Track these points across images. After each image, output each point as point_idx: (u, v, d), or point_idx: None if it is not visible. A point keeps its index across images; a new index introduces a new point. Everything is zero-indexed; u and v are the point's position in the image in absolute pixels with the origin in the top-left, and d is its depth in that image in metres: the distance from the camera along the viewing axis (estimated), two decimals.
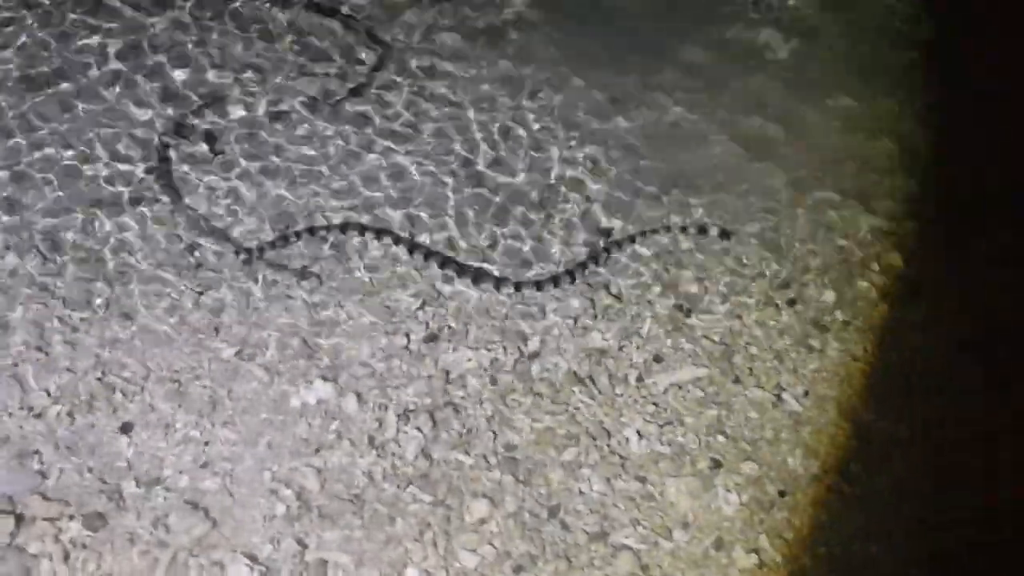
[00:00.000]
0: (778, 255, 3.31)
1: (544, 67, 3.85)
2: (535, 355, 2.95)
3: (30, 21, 3.68)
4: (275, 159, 3.42)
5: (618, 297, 3.12)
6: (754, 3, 4.29)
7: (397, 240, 3.16)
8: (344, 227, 3.18)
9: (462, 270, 3.08)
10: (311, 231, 3.15)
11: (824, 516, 2.64)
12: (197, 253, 3.09)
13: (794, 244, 3.35)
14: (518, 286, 3.05)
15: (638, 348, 2.98)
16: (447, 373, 2.88)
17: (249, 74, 3.69)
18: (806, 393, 2.93)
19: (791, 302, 3.17)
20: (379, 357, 2.90)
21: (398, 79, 3.76)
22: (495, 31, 4.00)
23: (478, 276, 3.07)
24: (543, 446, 2.72)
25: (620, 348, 2.98)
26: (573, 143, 3.59)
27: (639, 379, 2.90)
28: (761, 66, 4.00)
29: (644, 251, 3.28)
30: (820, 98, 3.85)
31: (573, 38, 3.99)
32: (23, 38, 3.62)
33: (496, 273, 3.11)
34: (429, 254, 3.13)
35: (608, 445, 2.73)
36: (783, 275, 3.24)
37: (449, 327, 3.01)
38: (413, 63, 3.83)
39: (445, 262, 3.10)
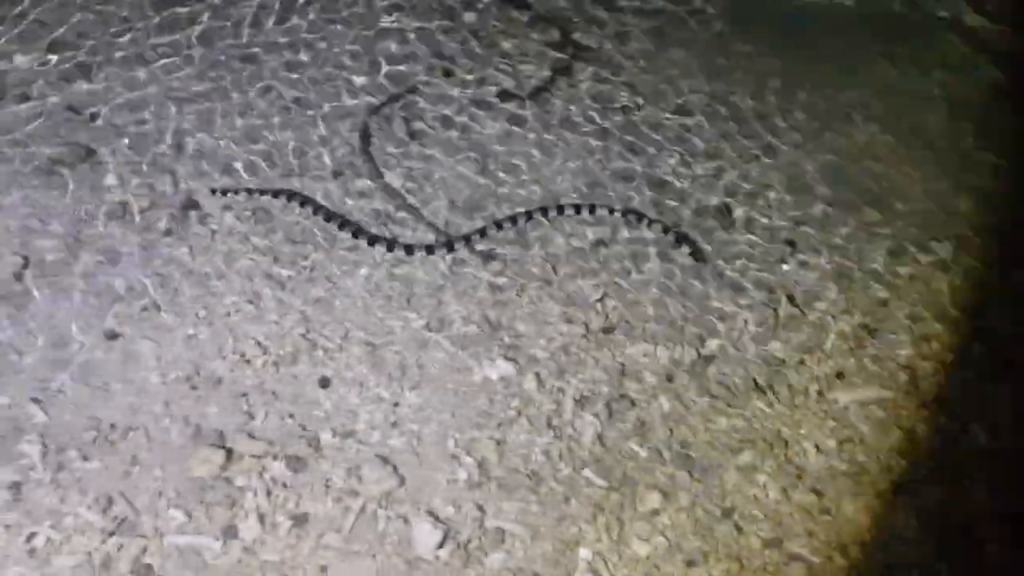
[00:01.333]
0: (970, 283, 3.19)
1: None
2: (712, 358, 2.96)
3: None
4: (468, 148, 3.54)
5: (801, 309, 3.08)
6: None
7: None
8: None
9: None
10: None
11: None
12: (392, 228, 3.23)
13: None
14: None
15: (819, 362, 2.95)
16: (623, 366, 2.92)
17: (446, 64, 3.83)
18: (993, 428, 2.82)
19: (983, 332, 3.05)
20: (558, 343, 2.96)
21: (588, 78, 3.82)
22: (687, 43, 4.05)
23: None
24: (718, 448, 2.73)
25: (801, 361, 2.95)
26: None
27: (820, 393, 2.86)
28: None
29: (827, 266, 3.22)
30: None
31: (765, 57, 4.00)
32: None
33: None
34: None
35: (785, 455, 2.72)
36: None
37: (627, 321, 3.04)
38: (603, 65, 3.88)
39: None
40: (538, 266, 3.19)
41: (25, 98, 3.60)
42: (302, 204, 3.27)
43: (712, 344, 3.00)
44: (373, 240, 3.16)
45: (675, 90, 3.86)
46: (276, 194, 3.30)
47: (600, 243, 3.27)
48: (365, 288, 3.08)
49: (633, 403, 2.83)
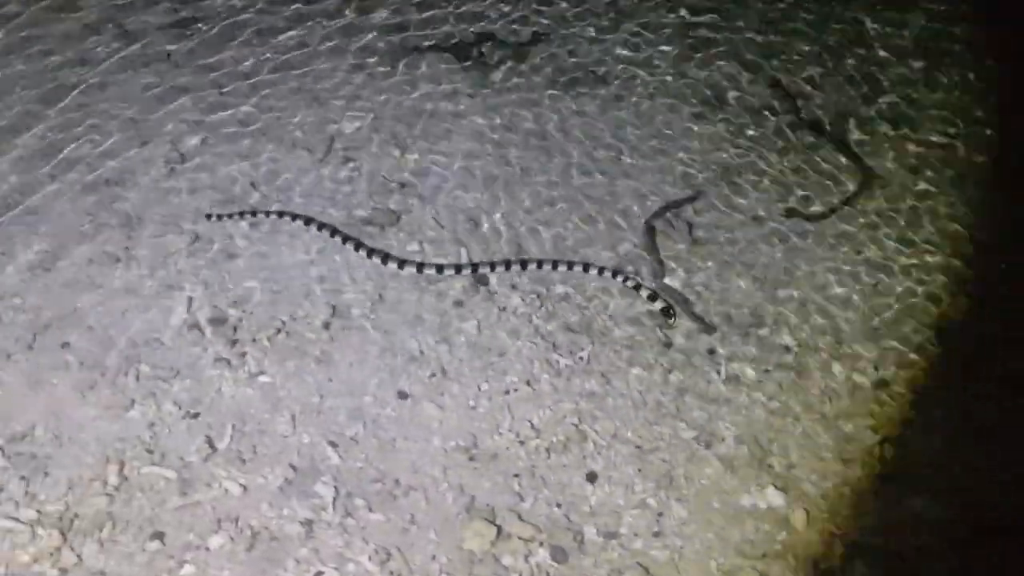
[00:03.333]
0: None
1: None
2: None
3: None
4: (749, 262, 3.53)
5: None
6: None
7: None
8: None
9: None
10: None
11: None
12: (667, 333, 3.26)
13: None
14: None
15: None
16: (901, 518, 2.76)
17: (733, 176, 3.87)
18: None
19: None
20: (831, 481, 2.85)
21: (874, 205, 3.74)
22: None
23: None
24: None
25: None
26: None
27: None
28: None
29: None
30: None
31: None
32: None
33: None
34: None
35: None
36: None
37: (907, 472, 2.88)
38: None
39: None
40: (816, 397, 3.09)
41: (347, 161, 3.95)
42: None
43: None
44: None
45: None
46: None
47: (882, 383, 3.13)
48: (637, 389, 3.11)
49: (908, 563, 2.65)
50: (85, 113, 4.01)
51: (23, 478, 2.71)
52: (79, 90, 4.11)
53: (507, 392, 3.08)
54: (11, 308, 3.20)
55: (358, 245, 3.46)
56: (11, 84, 4.09)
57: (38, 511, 2.63)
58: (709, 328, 3.27)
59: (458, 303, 3.37)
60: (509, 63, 4.53)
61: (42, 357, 3.06)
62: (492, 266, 3.42)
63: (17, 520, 2.59)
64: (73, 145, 3.85)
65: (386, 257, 3.42)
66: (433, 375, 3.11)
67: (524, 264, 3.46)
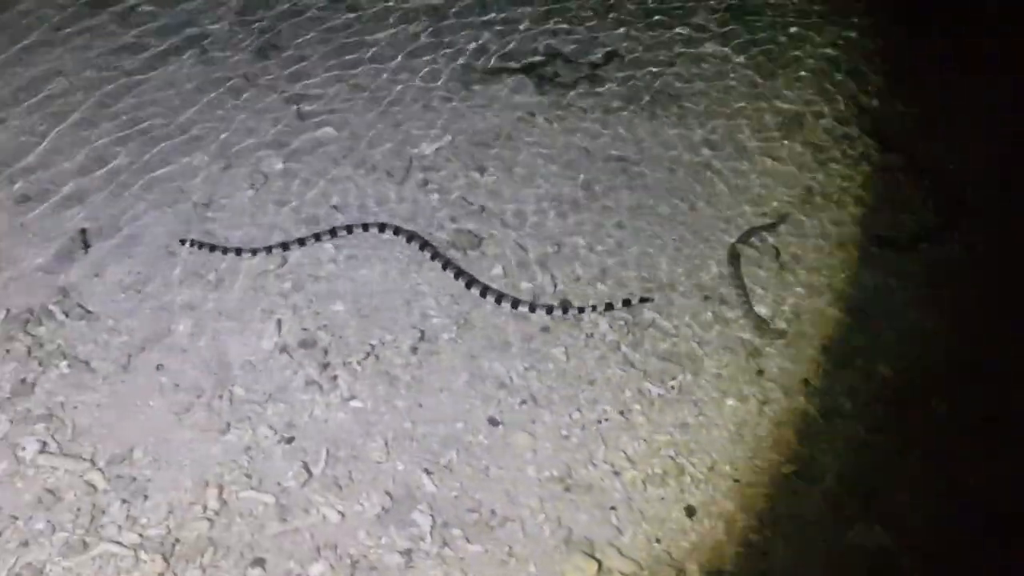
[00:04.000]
0: None
1: None
2: None
3: None
4: (838, 289, 3.51)
5: None
6: None
7: None
8: None
9: None
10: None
11: None
12: (760, 361, 3.21)
13: None
14: None
15: None
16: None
17: (817, 196, 3.81)
18: None
19: None
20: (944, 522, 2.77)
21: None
22: None
23: None
24: None
25: None
26: None
27: None
28: None
29: None
30: None
31: None
32: None
33: None
34: None
35: None
36: None
37: None
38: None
39: None
40: (920, 430, 3.01)
41: (426, 183, 3.95)
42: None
43: None
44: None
45: None
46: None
47: (990, 419, 3.04)
48: (732, 420, 3.05)
49: None
50: (172, 135, 4.04)
51: (124, 501, 2.72)
52: (164, 115, 4.14)
53: (599, 422, 3.04)
54: (106, 330, 3.23)
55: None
56: (99, 110, 4.14)
57: (140, 535, 2.64)
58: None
59: (545, 328, 3.34)
60: (584, 84, 4.53)
61: (138, 379, 3.08)
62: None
63: (121, 544, 2.61)
64: (164, 169, 3.88)
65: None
66: (523, 402, 3.08)
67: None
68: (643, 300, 3.43)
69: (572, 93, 4.46)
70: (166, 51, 4.55)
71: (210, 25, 4.71)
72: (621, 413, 3.07)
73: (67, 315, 3.26)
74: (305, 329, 3.28)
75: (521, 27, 4.87)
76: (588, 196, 3.91)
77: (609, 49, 4.74)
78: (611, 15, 4.96)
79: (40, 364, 3.08)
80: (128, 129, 4.09)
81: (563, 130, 4.26)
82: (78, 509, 2.70)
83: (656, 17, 4.93)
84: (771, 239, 3.70)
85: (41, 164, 3.87)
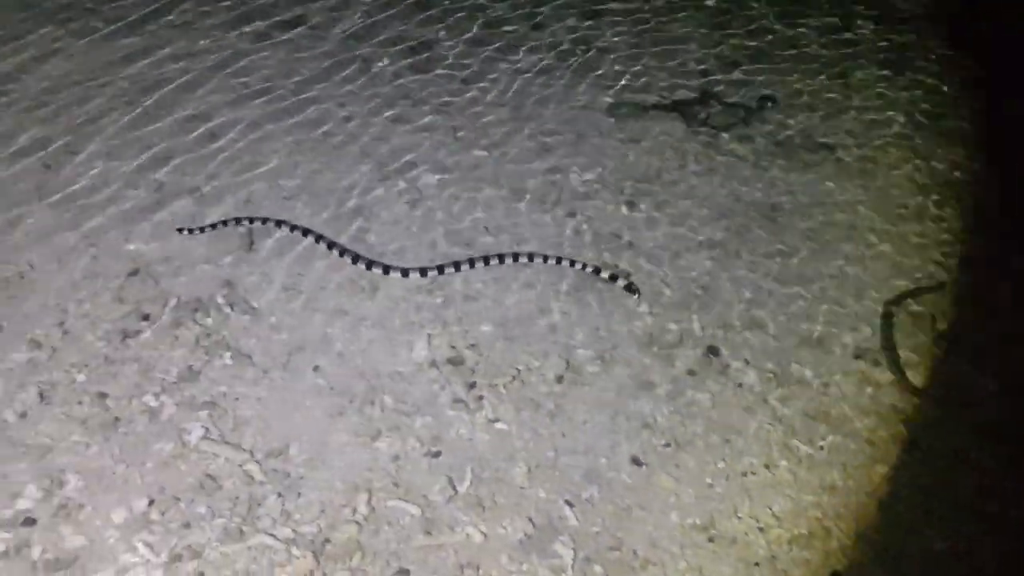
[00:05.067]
0: None
1: None
2: None
3: None
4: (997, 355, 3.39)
5: None
6: None
7: None
8: None
9: None
10: None
11: None
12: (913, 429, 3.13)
13: None
14: None
15: None
16: None
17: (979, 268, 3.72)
18: None
19: None
20: None
21: None
22: None
23: None
24: None
25: None
26: None
27: None
28: None
29: None
30: None
31: None
32: None
33: None
34: None
35: None
36: None
37: None
38: None
39: None
40: None
41: (574, 213, 3.98)
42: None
43: None
44: None
45: None
46: None
47: None
48: (883, 489, 2.97)
49: None
50: (332, 143, 4.19)
51: (279, 495, 2.81)
52: (326, 128, 4.30)
53: (744, 474, 3.00)
54: (268, 326, 3.35)
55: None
56: (275, 115, 4.33)
57: (293, 531, 2.72)
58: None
59: (691, 372, 3.33)
60: (738, 128, 4.50)
61: (295, 378, 3.18)
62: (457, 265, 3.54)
63: (274, 537, 2.69)
64: (324, 175, 4.02)
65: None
66: (667, 445, 3.07)
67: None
68: (627, 287, 3.55)
69: (725, 135, 4.45)
70: (331, 67, 4.71)
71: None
72: (767, 467, 3.02)
73: (232, 308, 3.39)
74: (453, 347, 3.33)
75: (677, 66, 4.88)
76: (737, 242, 3.88)
77: (765, 93, 4.71)
78: (768, 60, 4.94)
79: (206, 353, 3.21)
80: (299, 135, 4.23)
81: (714, 172, 4.25)
82: (236, 498, 2.79)
83: (814, 64, 4.88)
84: (925, 305, 3.59)
85: (220, 168, 4.04)
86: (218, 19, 5.00)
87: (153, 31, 4.85)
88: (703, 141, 4.41)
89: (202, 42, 4.81)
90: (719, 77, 4.85)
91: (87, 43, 4.70)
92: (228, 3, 5.12)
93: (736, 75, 4.87)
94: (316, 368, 3.22)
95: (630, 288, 3.56)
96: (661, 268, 3.73)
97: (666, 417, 3.16)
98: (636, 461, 3.02)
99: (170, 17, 4.98)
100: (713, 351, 3.40)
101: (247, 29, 4.93)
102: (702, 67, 4.93)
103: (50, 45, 4.65)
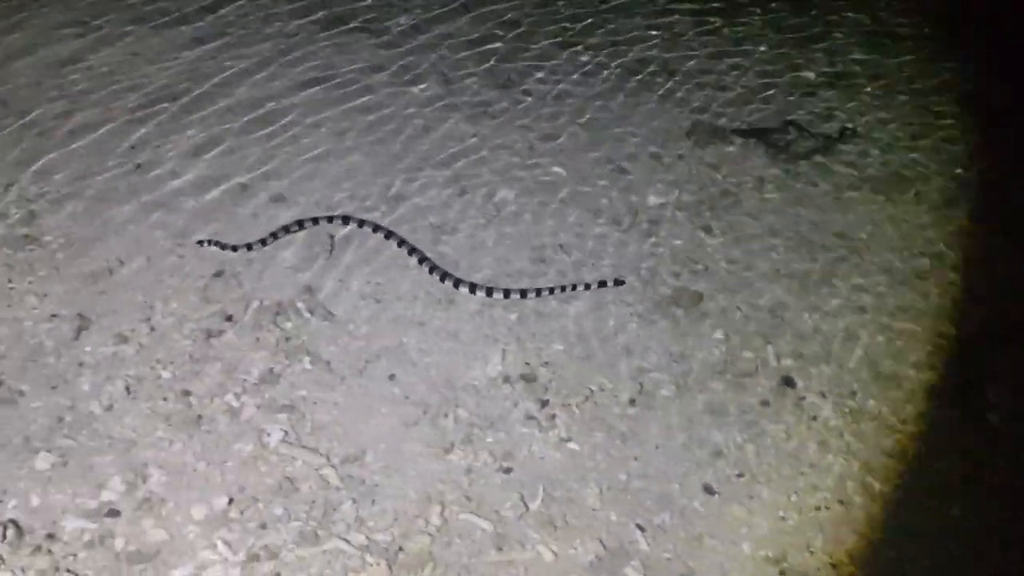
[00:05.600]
0: None
1: None
2: None
3: None
4: None
5: None
6: None
7: None
8: None
9: None
10: None
11: None
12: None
13: None
14: None
15: None
16: None
17: None
18: None
19: None
20: None
21: None
22: None
23: None
24: None
25: None
26: None
27: None
28: None
29: None
30: None
31: None
32: None
33: None
34: None
35: None
36: None
37: None
38: None
39: None
40: None
41: (650, 235, 3.98)
42: None
43: None
44: None
45: None
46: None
47: None
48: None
49: None
50: (415, 154, 4.26)
51: (354, 501, 2.85)
52: (405, 135, 4.38)
53: (818, 508, 2.97)
54: (346, 333, 3.41)
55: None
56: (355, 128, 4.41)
57: (367, 537, 2.76)
58: None
59: (764, 402, 3.30)
60: (818, 156, 4.46)
61: (372, 385, 3.23)
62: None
63: (349, 543, 2.73)
64: (407, 188, 4.08)
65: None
66: (740, 475, 3.04)
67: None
68: (617, 283, 3.64)
69: (805, 164, 4.42)
70: (411, 80, 4.79)
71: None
72: (841, 503, 2.98)
73: (312, 313, 3.46)
74: (527, 364, 3.35)
75: (757, 92, 4.86)
76: (816, 273, 3.85)
77: (846, 124, 4.66)
78: (851, 89, 4.89)
79: (287, 357, 3.28)
80: (379, 148, 4.31)
81: (793, 201, 4.22)
82: (312, 501, 2.84)
83: (901, 98, 4.82)
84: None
85: (305, 175, 4.12)
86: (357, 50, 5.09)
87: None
88: (782, 168, 4.38)
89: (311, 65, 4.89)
90: (801, 105, 4.81)
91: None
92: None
93: (818, 104, 4.83)
94: (392, 377, 3.26)
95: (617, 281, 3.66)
96: (737, 295, 3.70)
97: (739, 447, 3.14)
98: (709, 489, 3.00)
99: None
100: (788, 382, 3.37)
101: (380, 77, 5.01)
102: (783, 94, 4.88)
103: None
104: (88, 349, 3.25)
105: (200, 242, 3.68)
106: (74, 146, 4.13)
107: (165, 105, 4.43)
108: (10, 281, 3.47)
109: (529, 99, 4.76)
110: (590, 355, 3.42)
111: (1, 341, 3.25)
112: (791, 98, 4.88)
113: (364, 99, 4.64)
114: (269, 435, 3.01)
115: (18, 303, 3.40)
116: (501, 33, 5.26)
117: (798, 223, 4.09)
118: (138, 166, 4.06)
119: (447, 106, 4.65)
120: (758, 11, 5.60)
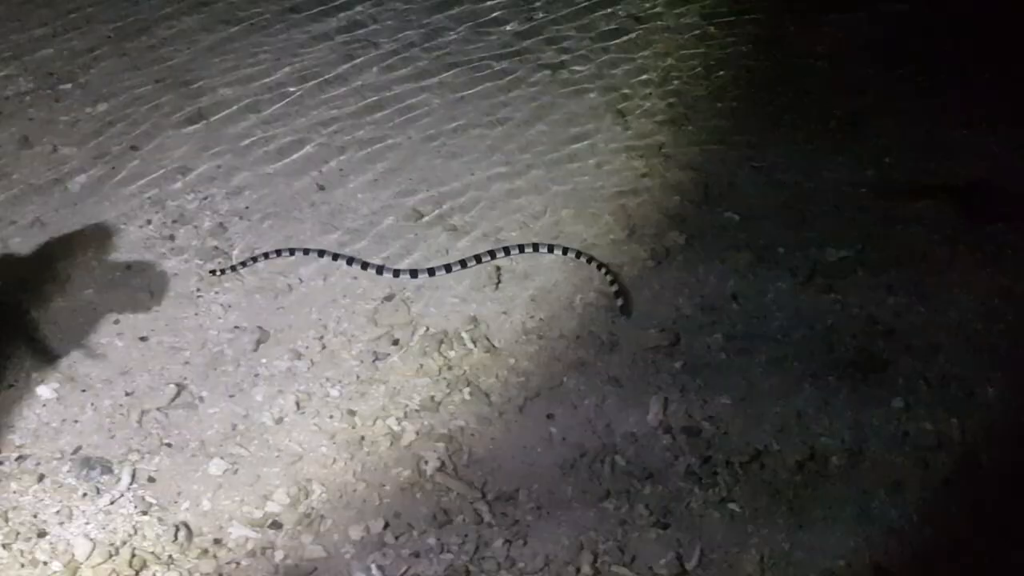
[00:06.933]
0: None
1: None
2: None
3: None
4: None
5: None
6: None
7: None
8: None
9: None
10: None
11: None
12: None
13: None
14: None
15: None
16: None
17: None
18: None
19: None
20: None
21: None
22: None
23: None
24: None
25: None
26: None
27: None
28: None
29: None
30: None
31: None
32: None
33: None
34: None
35: None
36: None
37: None
38: None
39: None
40: None
41: (828, 290, 3.76)
42: None
43: None
44: None
45: None
46: None
47: None
48: None
49: None
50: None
51: (507, 541, 2.82)
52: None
53: None
54: (507, 367, 3.41)
55: None
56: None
57: None
58: None
59: (946, 481, 3.03)
60: (1014, 220, 4.12)
61: (529, 423, 3.21)
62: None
63: None
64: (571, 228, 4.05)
65: None
66: (916, 557, 2.80)
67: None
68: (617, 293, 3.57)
69: (1000, 226, 4.07)
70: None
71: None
72: None
73: (475, 344, 3.47)
74: (691, 416, 3.24)
75: (949, 151, 4.55)
76: (1009, 345, 3.52)
77: None
78: None
79: (448, 386, 3.31)
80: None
81: (985, 265, 3.90)
82: (465, 535, 2.83)
83: None
84: None
85: (471, 200, 4.18)
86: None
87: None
88: (974, 230, 4.06)
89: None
90: (996, 162, 4.45)
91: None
92: None
93: (1017, 162, 4.46)
94: (550, 416, 3.23)
95: (623, 310, 3.57)
96: (921, 361, 3.45)
97: (916, 527, 2.89)
98: (879, 569, 2.78)
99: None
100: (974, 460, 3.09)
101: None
102: (978, 151, 4.55)
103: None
104: (264, 361, 3.39)
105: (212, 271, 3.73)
106: (270, 169, 4.31)
107: (359, 134, 4.56)
108: (198, 290, 3.68)
109: (713, 144, 4.62)
110: (757, 413, 3.27)
111: (187, 347, 3.43)
112: (988, 157, 4.52)
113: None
114: (426, 463, 3.03)
115: (204, 311, 3.60)
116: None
117: (991, 289, 3.80)
118: (321, 188, 4.22)
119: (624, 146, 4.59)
120: None
